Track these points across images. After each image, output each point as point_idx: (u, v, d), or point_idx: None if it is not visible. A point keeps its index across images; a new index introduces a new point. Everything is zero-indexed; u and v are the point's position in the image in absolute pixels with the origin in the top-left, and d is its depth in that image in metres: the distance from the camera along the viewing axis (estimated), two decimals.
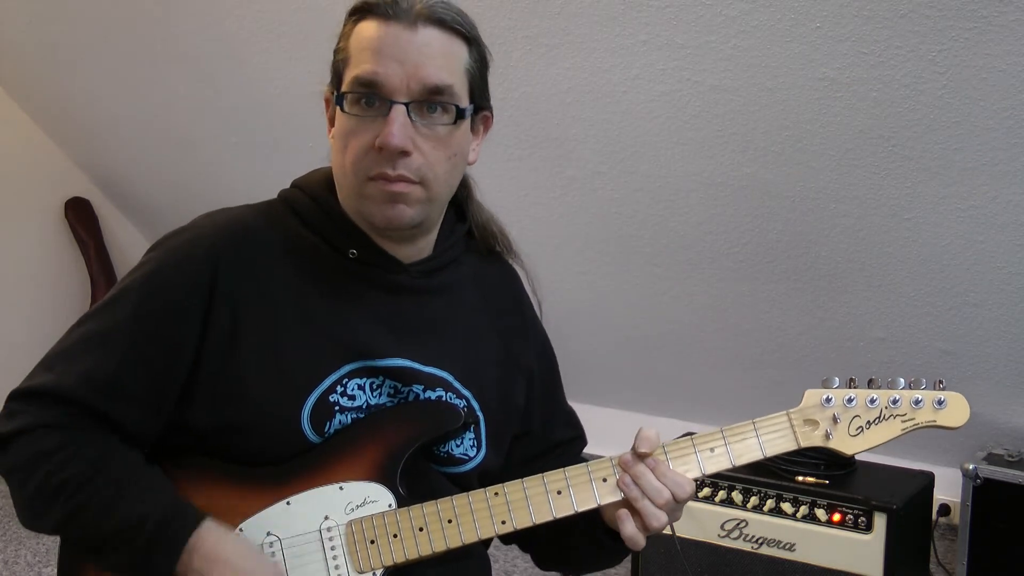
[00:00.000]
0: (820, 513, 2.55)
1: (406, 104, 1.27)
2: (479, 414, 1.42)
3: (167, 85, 3.69)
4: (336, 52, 1.34)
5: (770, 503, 2.61)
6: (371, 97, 1.28)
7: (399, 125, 1.26)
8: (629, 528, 1.31)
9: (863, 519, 2.50)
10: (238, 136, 3.75)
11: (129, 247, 4.58)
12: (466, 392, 1.41)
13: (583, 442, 1.59)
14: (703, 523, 2.68)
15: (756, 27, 2.39)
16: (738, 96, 2.56)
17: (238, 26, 3.25)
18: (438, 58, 1.28)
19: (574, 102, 2.81)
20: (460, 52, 1.31)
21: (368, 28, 1.29)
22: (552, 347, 1.58)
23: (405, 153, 1.27)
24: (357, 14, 1.31)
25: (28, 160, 4.35)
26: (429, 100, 1.28)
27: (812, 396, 1.35)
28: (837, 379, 1.36)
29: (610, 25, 2.57)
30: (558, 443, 1.54)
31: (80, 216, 4.47)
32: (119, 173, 4.45)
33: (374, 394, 1.35)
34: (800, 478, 2.61)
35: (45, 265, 4.44)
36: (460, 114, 1.31)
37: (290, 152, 3.46)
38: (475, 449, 1.41)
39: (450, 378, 1.40)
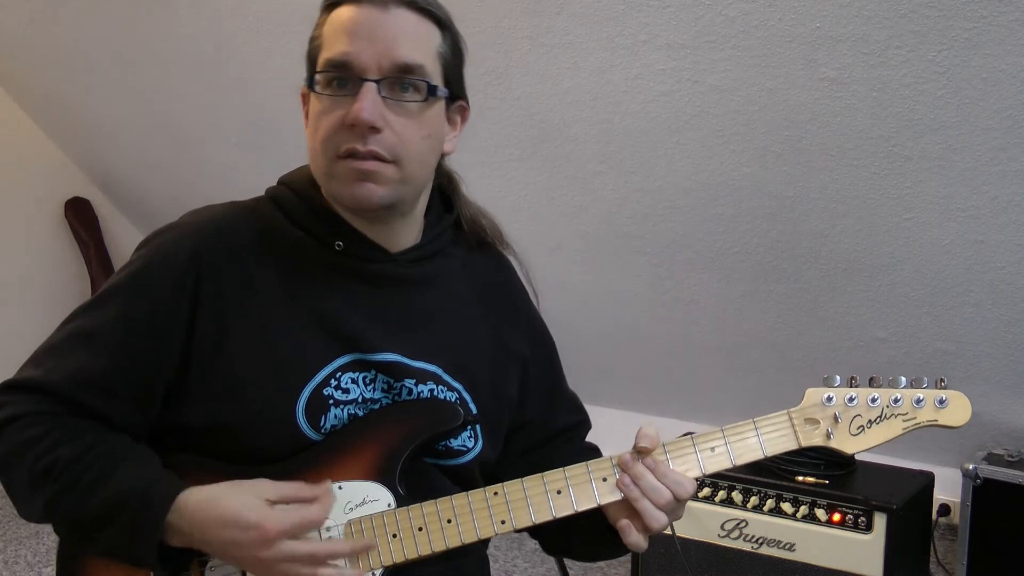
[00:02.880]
0: (820, 513, 2.55)
1: (377, 81, 1.27)
2: (472, 406, 1.41)
3: (167, 85, 3.70)
4: (311, 40, 1.34)
5: (770, 503, 2.61)
6: (342, 79, 1.28)
7: (369, 100, 1.26)
8: (632, 537, 1.31)
9: (863, 519, 2.50)
10: (238, 136, 3.76)
11: (129, 247, 4.55)
12: (457, 384, 1.40)
13: (587, 426, 1.58)
14: (703, 523, 2.68)
15: (756, 27, 2.39)
16: (738, 96, 2.56)
17: (238, 26, 3.25)
18: (410, 38, 1.29)
19: (574, 102, 2.80)
20: (433, 35, 1.32)
21: (342, 13, 1.30)
22: (550, 334, 1.56)
23: (375, 129, 1.27)
24: (331, 2, 1.33)
25: (28, 160, 4.36)
26: (400, 78, 1.28)
27: (813, 395, 1.34)
28: (839, 378, 1.35)
29: (610, 25, 2.57)
30: (562, 430, 1.54)
31: (80, 216, 4.47)
32: (119, 173, 4.45)
33: (368, 388, 1.35)
34: (800, 478, 2.61)
35: (45, 265, 4.45)
36: (432, 91, 1.31)
37: (290, 152, 3.46)
38: (472, 440, 1.41)
39: (439, 371, 1.39)
